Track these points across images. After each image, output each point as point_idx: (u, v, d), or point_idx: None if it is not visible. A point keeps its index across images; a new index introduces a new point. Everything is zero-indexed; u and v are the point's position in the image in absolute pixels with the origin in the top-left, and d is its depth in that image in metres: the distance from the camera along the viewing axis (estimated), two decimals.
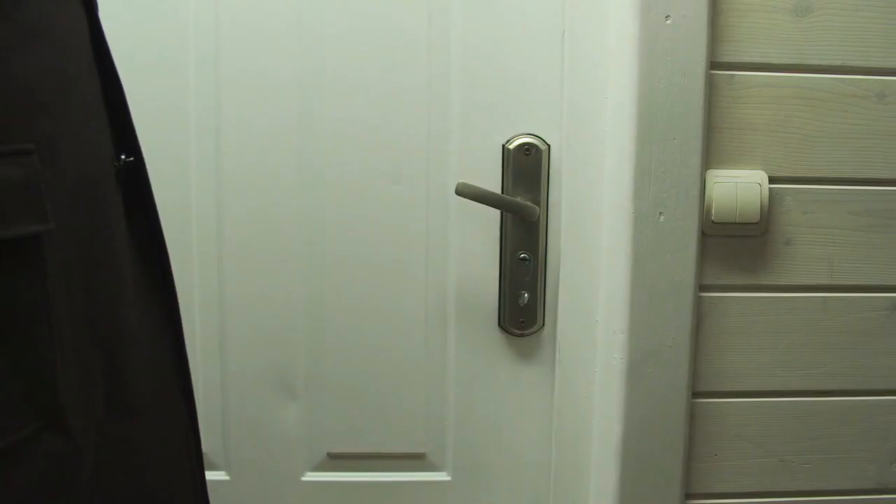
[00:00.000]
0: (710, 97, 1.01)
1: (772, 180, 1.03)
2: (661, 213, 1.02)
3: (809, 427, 1.09)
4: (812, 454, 1.09)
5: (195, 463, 0.84)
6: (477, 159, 1.16)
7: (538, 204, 1.16)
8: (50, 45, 0.63)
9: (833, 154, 1.03)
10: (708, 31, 0.99)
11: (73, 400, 0.65)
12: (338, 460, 1.23)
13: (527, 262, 1.16)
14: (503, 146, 1.16)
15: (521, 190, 1.16)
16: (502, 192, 1.16)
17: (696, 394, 1.06)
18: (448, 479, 1.24)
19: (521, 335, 1.20)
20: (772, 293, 1.06)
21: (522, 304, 1.17)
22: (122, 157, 0.74)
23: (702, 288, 1.05)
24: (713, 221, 1.03)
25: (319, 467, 1.24)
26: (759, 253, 1.05)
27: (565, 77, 1.15)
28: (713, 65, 1.01)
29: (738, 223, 1.03)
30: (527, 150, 1.15)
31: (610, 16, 1.01)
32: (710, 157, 1.03)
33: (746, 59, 1.01)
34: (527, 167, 1.16)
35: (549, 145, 1.16)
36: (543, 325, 1.19)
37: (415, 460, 1.24)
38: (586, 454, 1.10)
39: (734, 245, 1.05)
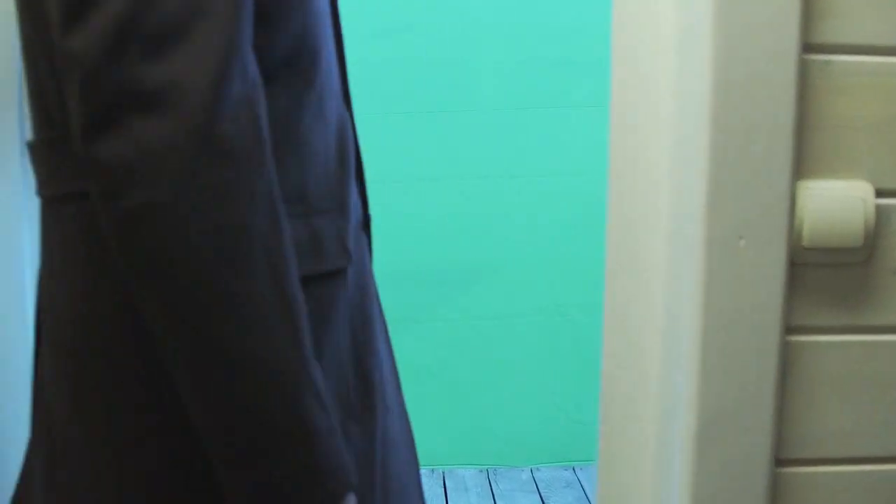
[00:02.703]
0: (801, 89, 0.80)
1: (878, 194, 0.83)
2: (741, 237, 0.81)
3: None
4: None
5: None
6: None
7: None
8: (330, 105, 0.73)
9: None
10: (800, 4, 0.78)
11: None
12: None
13: None
14: None
15: None
16: None
17: (780, 461, 0.87)
18: None
19: None
20: (877, 335, 0.86)
21: None
22: (368, 214, 0.85)
23: (789, 330, 0.84)
24: (805, 247, 0.82)
25: None
26: (863, 285, 0.85)
27: None
28: (805, 47, 0.80)
29: (837, 248, 0.83)
30: None
31: None
32: (802, 165, 0.82)
33: (848, 39, 0.81)
34: None
35: None
36: None
37: None
38: None
39: (831, 276, 0.84)
